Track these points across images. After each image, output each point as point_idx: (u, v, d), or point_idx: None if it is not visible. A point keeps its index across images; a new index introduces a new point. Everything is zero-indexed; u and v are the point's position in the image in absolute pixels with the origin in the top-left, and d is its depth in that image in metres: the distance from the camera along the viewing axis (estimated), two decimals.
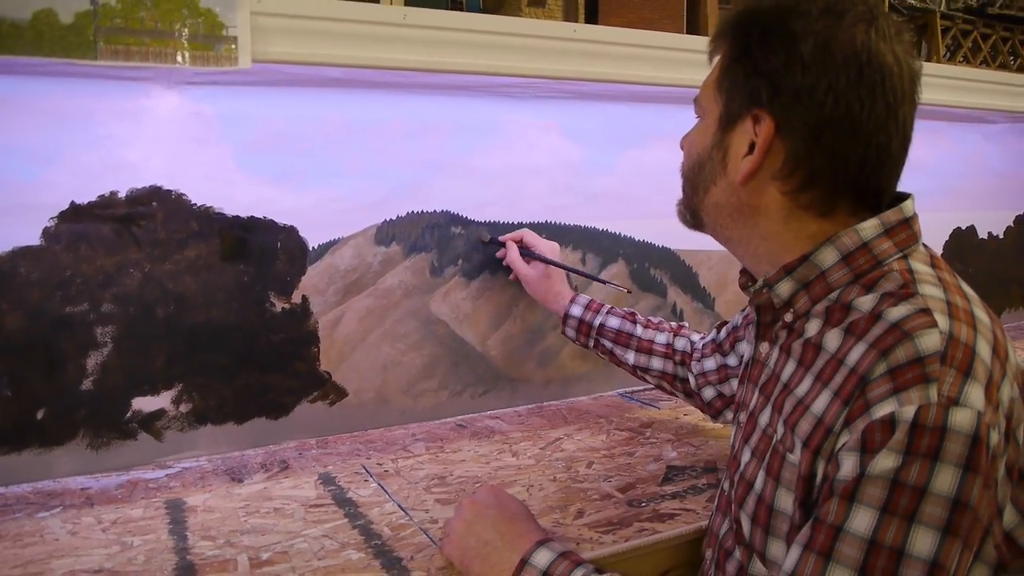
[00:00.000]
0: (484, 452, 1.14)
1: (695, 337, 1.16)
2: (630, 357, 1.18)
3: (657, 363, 1.17)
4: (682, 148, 0.81)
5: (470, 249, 1.31)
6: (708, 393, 1.11)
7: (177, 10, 0.81)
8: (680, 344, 1.16)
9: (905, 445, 0.56)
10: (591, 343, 1.22)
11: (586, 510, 0.93)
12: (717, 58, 0.75)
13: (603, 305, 1.22)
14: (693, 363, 1.13)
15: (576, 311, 1.22)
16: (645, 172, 1.43)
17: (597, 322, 1.20)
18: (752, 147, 0.70)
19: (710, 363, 1.11)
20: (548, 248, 1.27)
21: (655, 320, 1.21)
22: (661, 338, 1.18)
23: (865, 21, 0.67)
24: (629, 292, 1.31)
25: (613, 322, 1.19)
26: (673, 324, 1.20)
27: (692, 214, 0.80)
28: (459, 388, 1.32)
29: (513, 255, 1.27)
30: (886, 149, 0.68)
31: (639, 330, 1.19)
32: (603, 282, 1.30)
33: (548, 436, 1.21)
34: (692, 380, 1.13)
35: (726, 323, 1.11)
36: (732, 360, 1.06)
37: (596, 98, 1.36)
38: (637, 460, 1.10)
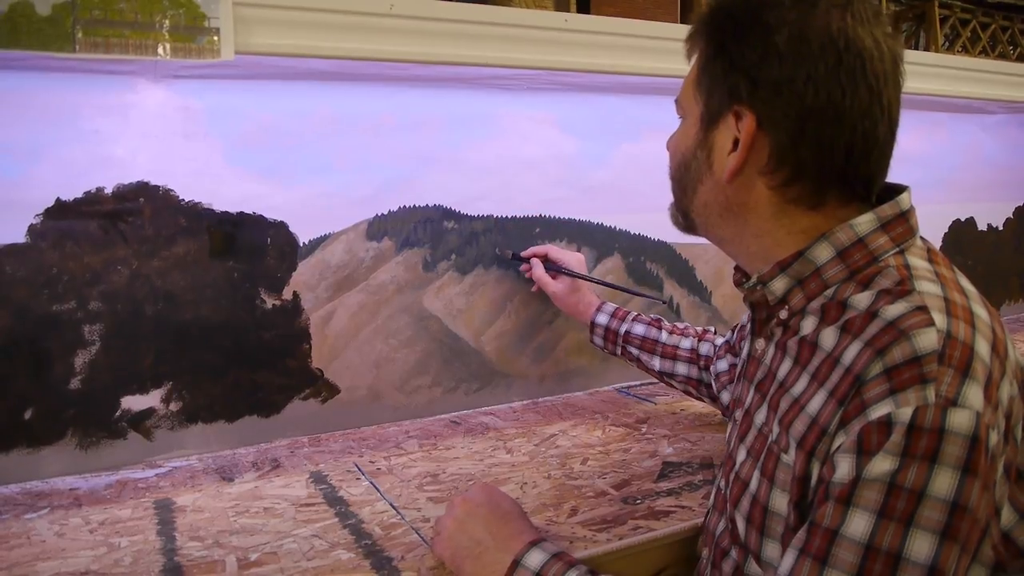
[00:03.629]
0: (478, 449, 1.13)
1: (719, 341, 1.16)
2: (656, 363, 1.19)
3: (682, 368, 1.17)
4: (668, 150, 0.79)
5: (463, 244, 1.29)
6: (725, 397, 1.11)
7: (158, 1, 0.79)
8: (704, 349, 1.16)
9: (902, 447, 0.55)
10: (618, 351, 1.23)
11: (580, 508, 0.92)
12: (694, 57, 0.74)
13: (629, 312, 1.23)
14: (712, 367, 1.13)
15: (602, 319, 1.23)
16: (641, 165, 1.42)
17: (623, 329, 1.21)
18: (736, 144, 0.69)
19: (723, 364, 1.11)
20: (574, 260, 1.27)
21: (680, 326, 1.21)
22: (686, 343, 1.18)
23: (839, 7, 0.65)
24: (665, 303, 1.30)
25: (639, 329, 1.20)
26: (699, 329, 1.20)
27: (684, 216, 0.79)
28: (453, 384, 1.31)
29: (539, 271, 1.28)
30: (872, 135, 0.66)
31: (664, 336, 1.19)
32: (636, 294, 1.30)
33: (543, 432, 1.20)
34: (714, 385, 1.13)
35: (740, 324, 1.10)
36: (740, 361, 1.06)
37: (590, 90, 1.35)
38: (633, 456, 1.09)
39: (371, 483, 1.00)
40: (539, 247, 1.30)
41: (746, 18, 0.68)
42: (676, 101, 0.78)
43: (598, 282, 1.29)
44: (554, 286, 1.26)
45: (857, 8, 0.65)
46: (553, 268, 1.27)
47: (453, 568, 0.78)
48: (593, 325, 1.24)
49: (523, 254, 1.31)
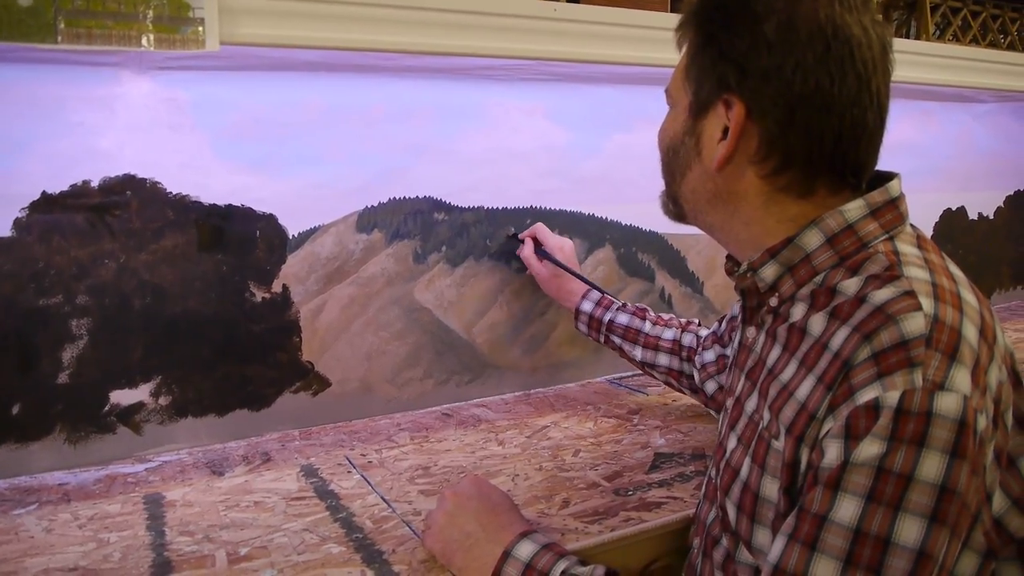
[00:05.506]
0: (470, 441, 1.13)
1: (703, 332, 1.16)
2: (637, 353, 1.19)
3: (663, 359, 1.17)
4: (658, 138, 0.79)
5: (454, 235, 1.29)
6: (710, 387, 1.11)
7: None
8: (687, 340, 1.16)
9: (890, 431, 0.55)
10: (602, 338, 1.23)
11: (572, 499, 0.92)
12: (684, 46, 0.74)
13: (614, 301, 1.23)
14: (696, 357, 1.13)
15: (587, 307, 1.23)
16: (632, 155, 1.41)
17: (607, 318, 1.21)
18: (725, 132, 0.69)
19: (709, 355, 1.10)
20: (558, 245, 1.26)
21: (665, 317, 1.21)
22: (668, 334, 1.18)
23: None
24: (646, 310, 1.29)
25: (622, 318, 1.20)
26: (682, 320, 1.20)
27: (673, 202, 0.79)
28: (444, 376, 1.31)
29: (527, 252, 1.28)
30: (861, 122, 0.66)
31: (647, 326, 1.19)
32: (603, 293, 1.25)
33: (535, 424, 1.20)
34: (696, 376, 1.13)
35: (729, 315, 1.10)
36: (731, 351, 1.06)
37: (581, 80, 1.34)
38: (624, 448, 1.09)
39: (362, 476, 1.00)
40: (531, 227, 1.30)
41: (735, 7, 0.68)
42: (665, 91, 0.78)
43: (574, 274, 1.25)
44: (538, 268, 1.26)
45: None
46: (541, 253, 1.27)
47: (444, 561, 0.77)
48: (578, 312, 1.24)
49: (520, 235, 1.31)
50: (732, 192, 0.71)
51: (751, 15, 0.66)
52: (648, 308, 1.22)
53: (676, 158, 0.75)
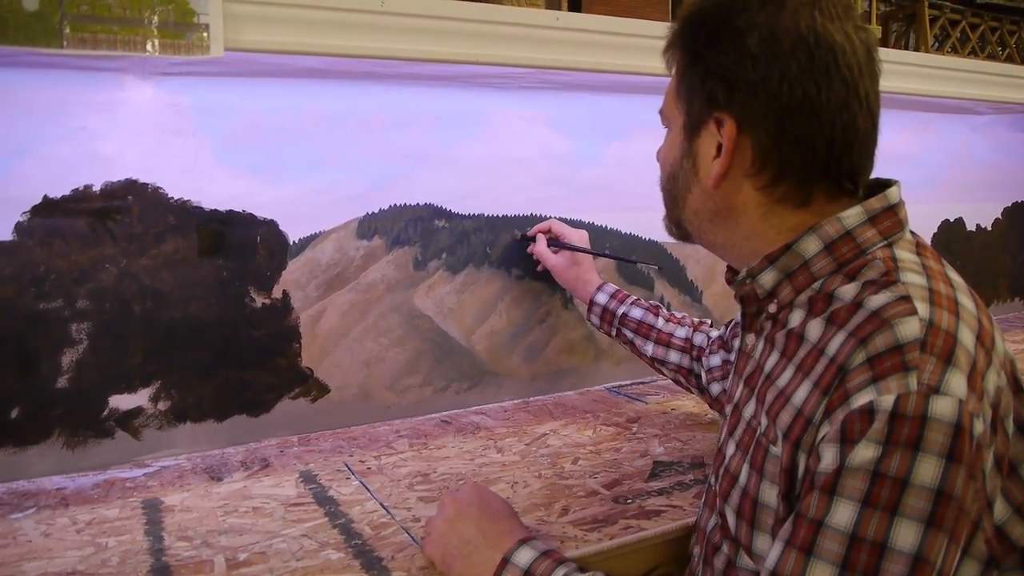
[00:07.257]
0: (469, 448, 1.13)
1: (713, 334, 1.16)
2: (649, 348, 1.20)
3: (674, 356, 1.18)
4: (658, 161, 0.80)
5: (454, 243, 1.29)
6: (715, 389, 1.12)
7: None
8: (698, 339, 1.17)
9: (885, 435, 0.55)
10: (613, 332, 1.23)
11: (571, 507, 0.92)
12: (673, 67, 0.75)
13: (629, 295, 1.23)
14: (703, 359, 1.14)
15: (601, 299, 1.23)
16: (632, 163, 1.42)
17: (620, 311, 1.21)
18: (720, 149, 0.69)
19: (715, 359, 1.11)
20: (576, 235, 1.28)
21: (678, 315, 1.22)
22: (680, 332, 1.18)
23: (807, 5, 0.66)
24: (660, 268, 1.31)
25: (636, 313, 1.21)
26: (695, 320, 1.21)
27: (676, 226, 0.80)
28: (443, 383, 1.31)
29: (540, 246, 1.29)
30: (852, 128, 0.67)
31: (660, 323, 1.20)
32: (633, 262, 1.32)
33: (534, 432, 1.20)
34: (703, 376, 1.14)
35: (734, 321, 1.10)
36: (733, 357, 1.06)
37: (581, 89, 1.35)
38: (624, 456, 1.09)
39: (361, 483, 1.00)
40: (543, 223, 1.32)
41: (717, 24, 0.69)
42: (660, 112, 0.79)
43: (594, 253, 1.28)
44: (554, 259, 1.28)
45: (825, 4, 0.66)
46: (554, 244, 1.29)
47: (443, 568, 0.77)
48: (592, 304, 1.24)
49: (529, 233, 1.32)
50: (731, 207, 0.72)
51: (733, 30, 0.67)
52: (660, 305, 1.23)
53: (676, 183, 0.76)
